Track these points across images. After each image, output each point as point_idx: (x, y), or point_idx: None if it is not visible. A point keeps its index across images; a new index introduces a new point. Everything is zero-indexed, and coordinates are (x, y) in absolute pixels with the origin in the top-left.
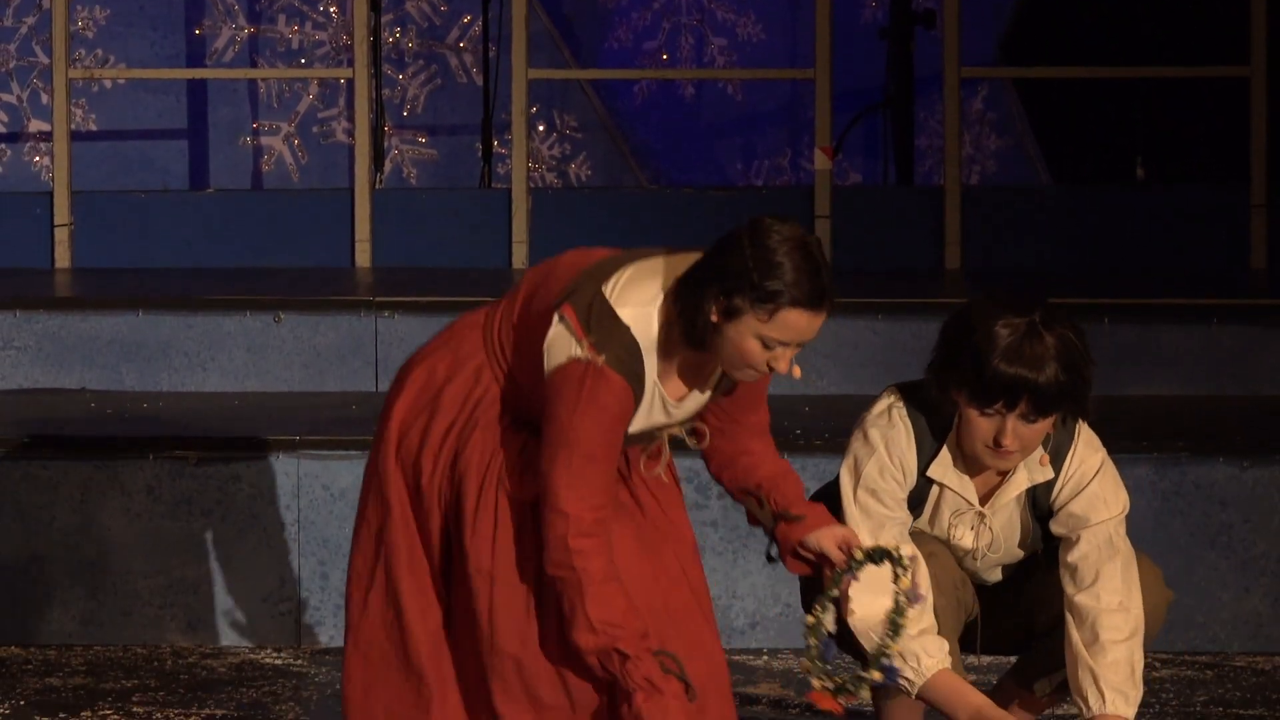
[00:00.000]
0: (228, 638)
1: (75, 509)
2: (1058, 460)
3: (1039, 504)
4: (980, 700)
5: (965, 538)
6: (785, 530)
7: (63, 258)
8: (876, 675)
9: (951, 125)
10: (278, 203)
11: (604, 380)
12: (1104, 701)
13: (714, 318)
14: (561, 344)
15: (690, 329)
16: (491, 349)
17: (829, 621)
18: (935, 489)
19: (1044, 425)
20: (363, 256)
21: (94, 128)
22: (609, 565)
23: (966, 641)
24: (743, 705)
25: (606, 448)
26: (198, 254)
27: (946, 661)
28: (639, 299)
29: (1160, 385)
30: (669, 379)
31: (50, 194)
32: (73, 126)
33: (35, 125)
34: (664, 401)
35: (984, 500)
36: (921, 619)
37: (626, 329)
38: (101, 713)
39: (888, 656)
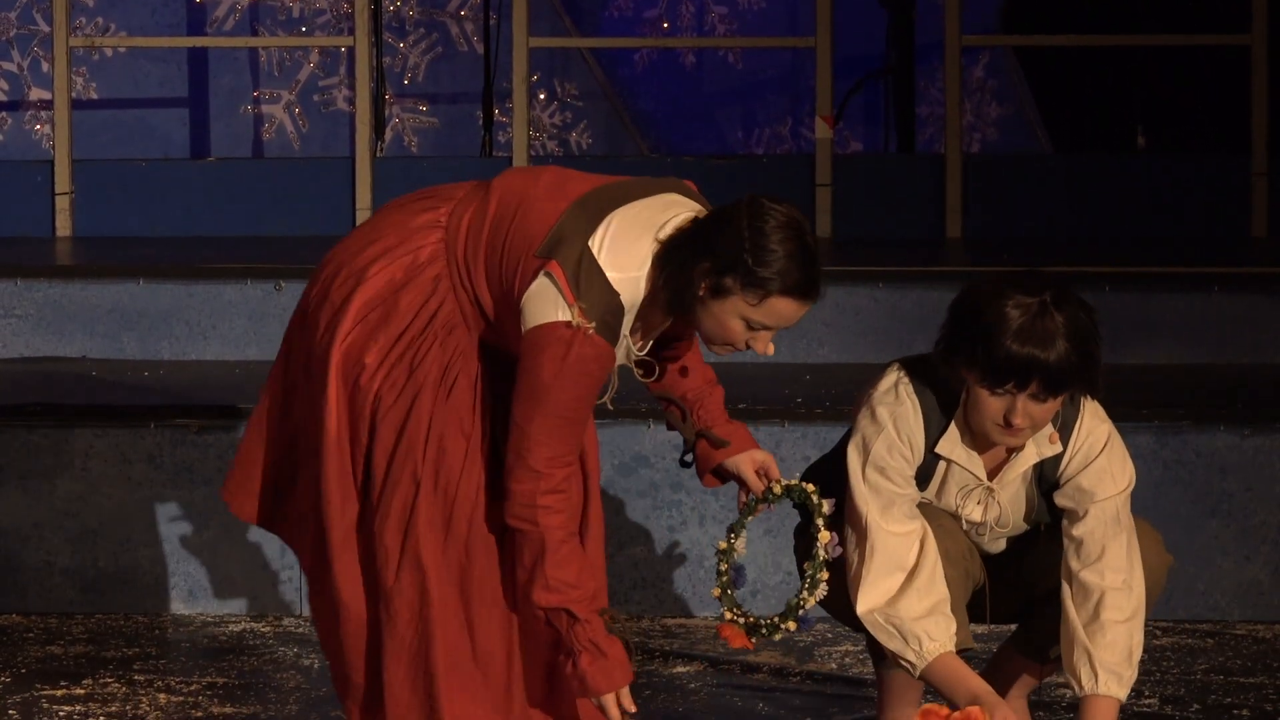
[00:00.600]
0: (229, 606)
1: (76, 477)
2: (1065, 433)
3: (1046, 477)
4: (979, 686)
5: (974, 513)
6: (707, 450)
7: (63, 226)
8: (792, 625)
9: (952, 93)
10: (279, 171)
11: (590, 346)
12: (1096, 681)
13: (700, 292)
14: (546, 301)
15: (676, 300)
16: (453, 258)
17: (740, 547)
18: (943, 465)
19: (1054, 404)
20: None
21: (95, 96)
22: (570, 521)
23: (975, 611)
24: (744, 673)
25: (584, 409)
26: (199, 222)
27: (950, 644)
28: (628, 263)
29: (1161, 354)
30: (637, 332)
31: (51, 162)
32: (73, 95)
33: (36, 94)
34: (629, 349)
35: (992, 475)
36: (930, 593)
37: (616, 295)
38: (103, 681)
39: (804, 608)
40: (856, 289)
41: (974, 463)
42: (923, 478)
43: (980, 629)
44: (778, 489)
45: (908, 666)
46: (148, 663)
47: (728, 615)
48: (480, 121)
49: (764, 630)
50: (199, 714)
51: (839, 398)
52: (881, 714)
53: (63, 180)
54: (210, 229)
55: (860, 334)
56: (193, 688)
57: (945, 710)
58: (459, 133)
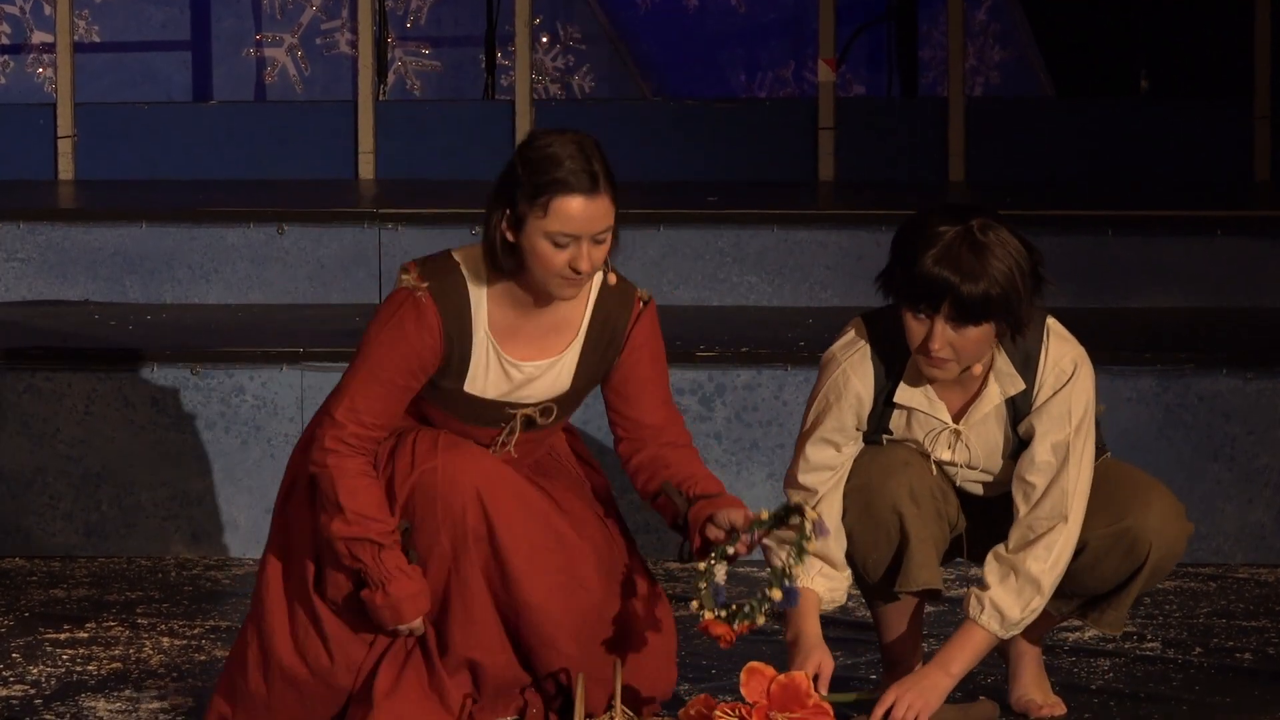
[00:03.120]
0: (231, 549)
1: (79, 421)
2: (1030, 365)
3: (1019, 413)
4: (808, 628)
5: (942, 453)
6: (699, 508)
7: (66, 169)
8: (777, 594)
9: (955, 37)
10: (281, 115)
11: (415, 306)
12: (981, 610)
13: (508, 236)
14: (396, 284)
15: (493, 256)
16: None
17: (720, 574)
18: (904, 412)
19: (977, 334)
20: (366, 168)
21: (97, 39)
22: (364, 472)
23: (955, 551)
24: None
25: (393, 372)
26: (201, 166)
27: (802, 582)
28: (476, 247)
29: (1164, 297)
30: (510, 335)
31: (53, 106)
32: (75, 38)
33: (38, 37)
34: (501, 359)
35: (959, 417)
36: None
37: (456, 265)
38: (106, 624)
39: (790, 579)
40: (859, 232)
41: (936, 408)
42: (881, 427)
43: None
44: (765, 515)
45: None
46: (150, 606)
47: (708, 615)
48: (483, 65)
49: (747, 612)
50: (202, 657)
51: None
52: (883, 651)
53: (65, 123)
54: (212, 172)
55: (863, 277)
56: (195, 631)
57: (771, 671)
58: (461, 76)
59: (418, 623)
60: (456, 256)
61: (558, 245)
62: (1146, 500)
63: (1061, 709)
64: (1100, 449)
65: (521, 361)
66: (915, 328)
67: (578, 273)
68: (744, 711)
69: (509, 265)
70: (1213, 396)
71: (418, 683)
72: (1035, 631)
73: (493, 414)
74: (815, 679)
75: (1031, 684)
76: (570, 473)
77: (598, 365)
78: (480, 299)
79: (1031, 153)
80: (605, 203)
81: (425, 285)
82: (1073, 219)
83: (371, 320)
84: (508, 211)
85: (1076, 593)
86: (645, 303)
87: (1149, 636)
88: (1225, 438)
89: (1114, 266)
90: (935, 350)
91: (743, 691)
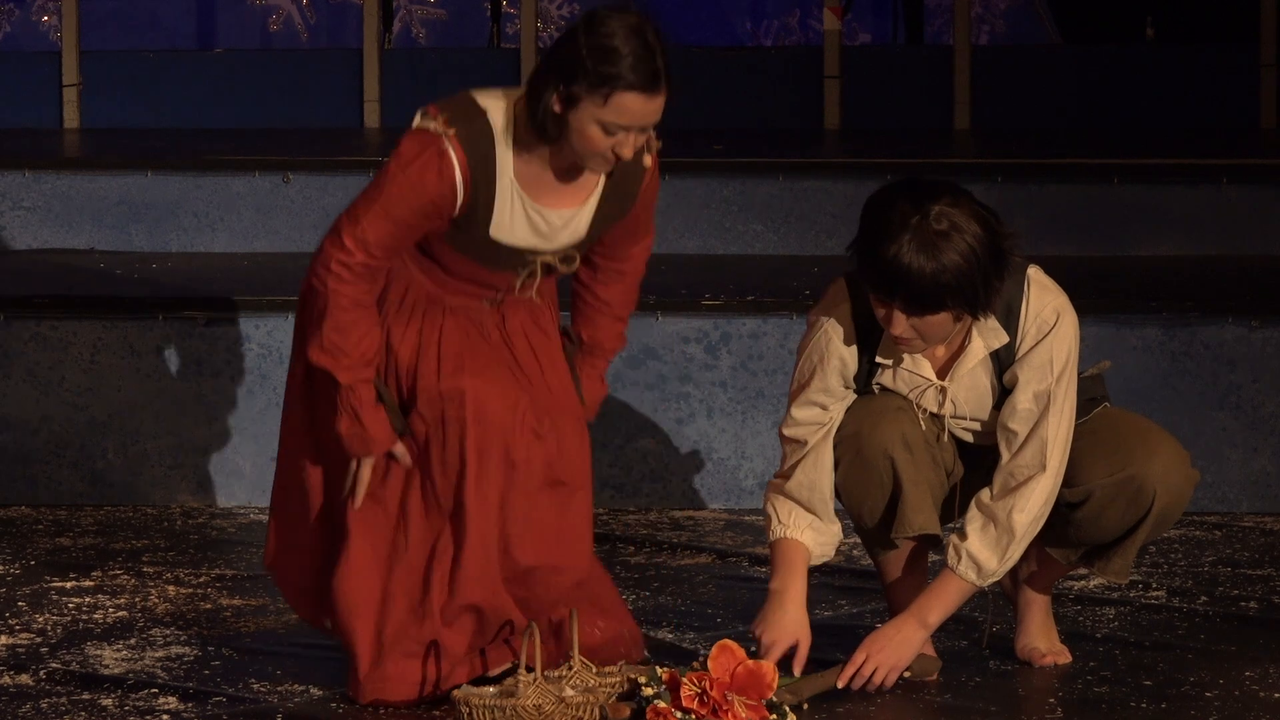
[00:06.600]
0: (237, 498)
1: (85, 370)
2: (1011, 317)
3: (1004, 364)
4: (793, 587)
5: (930, 405)
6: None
7: (71, 118)
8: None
9: None
10: (286, 63)
11: (439, 154)
12: (959, 560)
13: (556, 108)
14: (416, 122)
15: (535, 120)
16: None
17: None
18: (890, 370)
19: (936, 320)
20: (371, 117)
21: None
22: (361, 303)
23: (949, 506)
24: (751, 565)
25: (408, 214)
26: (206, 114)
27: (791, 534)
28: (497, 94)
29: (1169, 245)
30: (534, 184)
31: (59, 53)
32: None
33: None
34: (526, 206)
35: (944, 370)
36: (802, 494)
37: (482, 112)
38: (112, 572)
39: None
40: (865, 181)
41: (920, 365)
42: (867, 379)
43: None
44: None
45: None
46: (156, 555)
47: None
48: (488, 13)
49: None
50: (208, 606)
51: None
52: (887, 600)
53: (70, 72)
54: (218, 121)
55: None
56: (201, 580)
57: (741, 654)
58: (466, 24)
59: (365, 464)
60: (482, 103)
61: (607, 132)
62: (1151, 448)
63: (1067, 657)
64: (1100, 399)
65: (547, 209)
66: (879, 310)
67: (619, 158)
68: (708, 683)
69: (551, 134)
70: (1218, 345)
71: (404, 644)
72: (1043, 580)
73: (514, 260)
74: (791, 655)
75: (1038, 632)
76: (556, 359)
77: (610, 216)
78: (506, 147)
79: (1037, 100)
80: (662, 99)
81: (452, 131)
82: (1078, 167)
83: (393, 154)
84: (563, 87)
85: (1082, 541)
86: (652, 159)
87: (1154, 585)
88: (1230, 386)
89: (1119, 214)
90: (897, 334)
91: (710, 664)
